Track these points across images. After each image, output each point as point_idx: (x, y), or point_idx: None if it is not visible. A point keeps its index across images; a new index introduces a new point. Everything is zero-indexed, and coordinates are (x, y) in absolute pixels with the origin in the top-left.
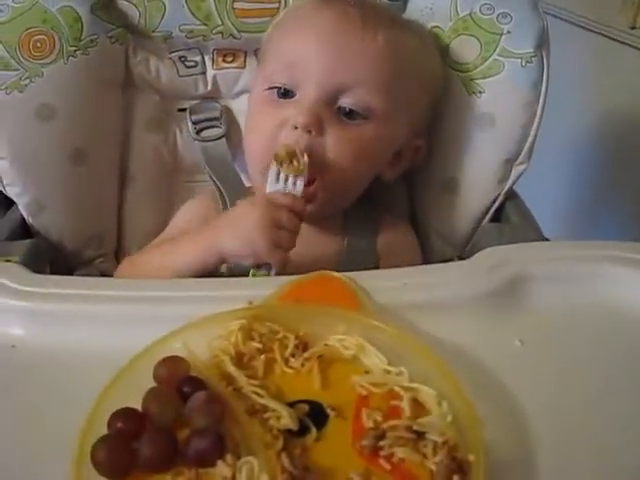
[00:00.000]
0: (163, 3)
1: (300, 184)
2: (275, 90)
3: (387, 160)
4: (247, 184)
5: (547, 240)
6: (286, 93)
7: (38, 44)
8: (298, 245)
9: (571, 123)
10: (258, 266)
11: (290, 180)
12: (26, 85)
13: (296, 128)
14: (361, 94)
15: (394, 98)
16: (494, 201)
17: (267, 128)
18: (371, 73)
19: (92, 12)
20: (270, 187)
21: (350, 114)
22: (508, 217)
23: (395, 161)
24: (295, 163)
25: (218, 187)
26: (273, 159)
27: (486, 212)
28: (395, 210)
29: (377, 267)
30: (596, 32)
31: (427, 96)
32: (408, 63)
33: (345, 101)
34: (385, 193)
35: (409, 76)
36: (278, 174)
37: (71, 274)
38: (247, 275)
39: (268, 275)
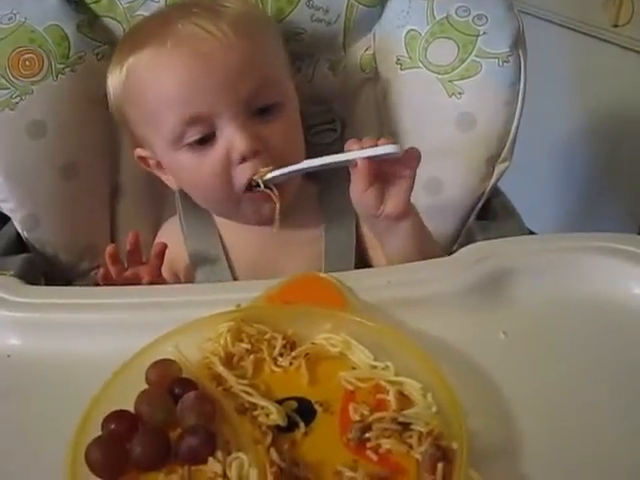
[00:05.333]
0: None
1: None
2: (194, 144)
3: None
4: None
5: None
6: (206, 139)
7: (27, 63)
8: (278, 241)
9: (558, 121)
10: None
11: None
12: (17, 103)
13: (243, 160)
14: (267, 88)
15: (279, 69)
16: (478, 199)
17: (214, 177)
18: (259, 71)
19: (78, 30)
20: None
21: (267, 110)
22: (495, 214)
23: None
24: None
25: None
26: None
27: (471, 210)
28: None
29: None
30: (579, 31)
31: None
32: (262, 30)
33: (259, 102)
34: None
35: (271, 38)
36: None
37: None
38: None
39: None
